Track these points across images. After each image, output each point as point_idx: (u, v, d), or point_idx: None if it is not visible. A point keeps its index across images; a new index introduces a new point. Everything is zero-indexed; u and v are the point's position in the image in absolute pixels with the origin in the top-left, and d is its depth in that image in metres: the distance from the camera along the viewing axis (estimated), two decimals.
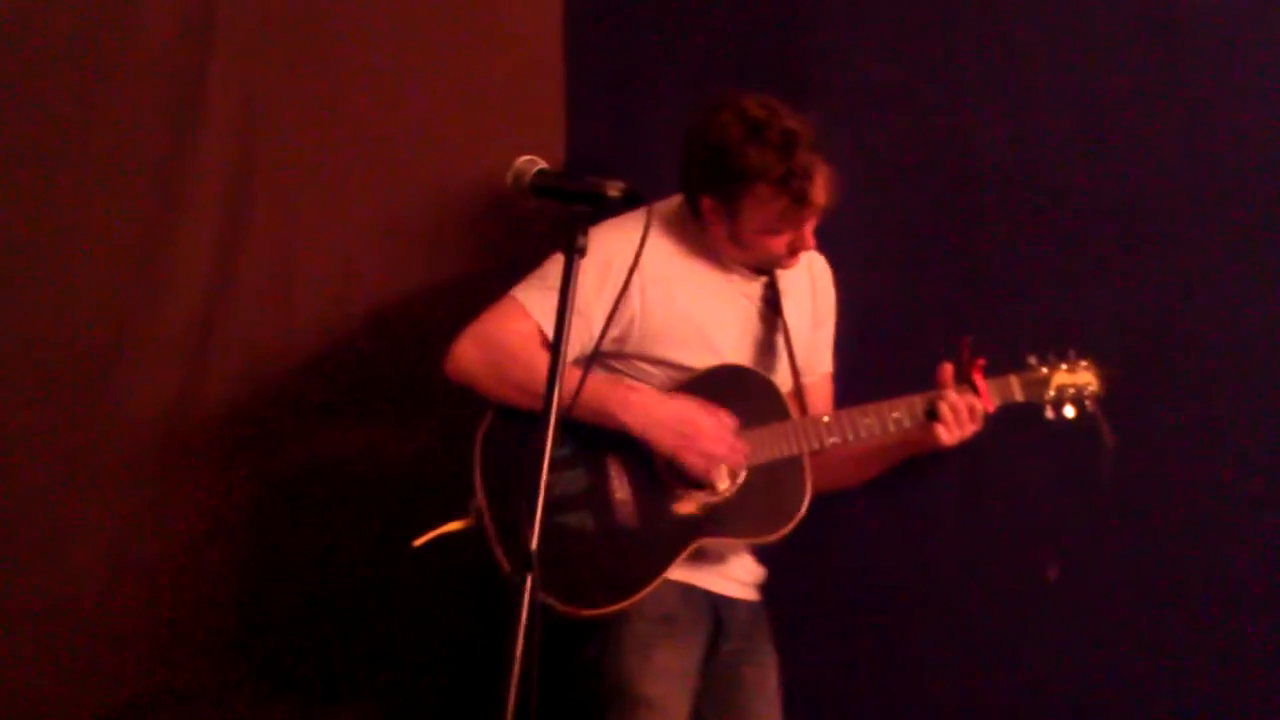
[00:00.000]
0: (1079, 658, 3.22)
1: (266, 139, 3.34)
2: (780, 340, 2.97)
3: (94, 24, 3.27)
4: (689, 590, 2.85)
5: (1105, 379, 2.95)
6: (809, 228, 2.86)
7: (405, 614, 3.29)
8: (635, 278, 2.66)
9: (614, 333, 2.81)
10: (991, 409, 2.90)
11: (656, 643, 2.79)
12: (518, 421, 2.77)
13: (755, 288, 2.97)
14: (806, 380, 2.99)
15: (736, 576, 2.95)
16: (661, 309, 2.86)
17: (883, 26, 3.38)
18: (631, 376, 2.88)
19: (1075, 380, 2.94)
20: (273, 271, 3.33)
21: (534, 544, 2.21)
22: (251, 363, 3.31)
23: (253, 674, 3.28)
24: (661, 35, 3.46)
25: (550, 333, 2.59)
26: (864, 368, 3.12)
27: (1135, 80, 3.26)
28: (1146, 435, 3.12)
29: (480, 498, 2.77)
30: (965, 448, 2.90)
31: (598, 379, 2.73)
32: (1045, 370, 2.95)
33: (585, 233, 2.36)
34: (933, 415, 2.88)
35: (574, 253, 2.35)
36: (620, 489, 2.81)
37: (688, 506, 2.82)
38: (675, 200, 2.96)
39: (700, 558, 2.85)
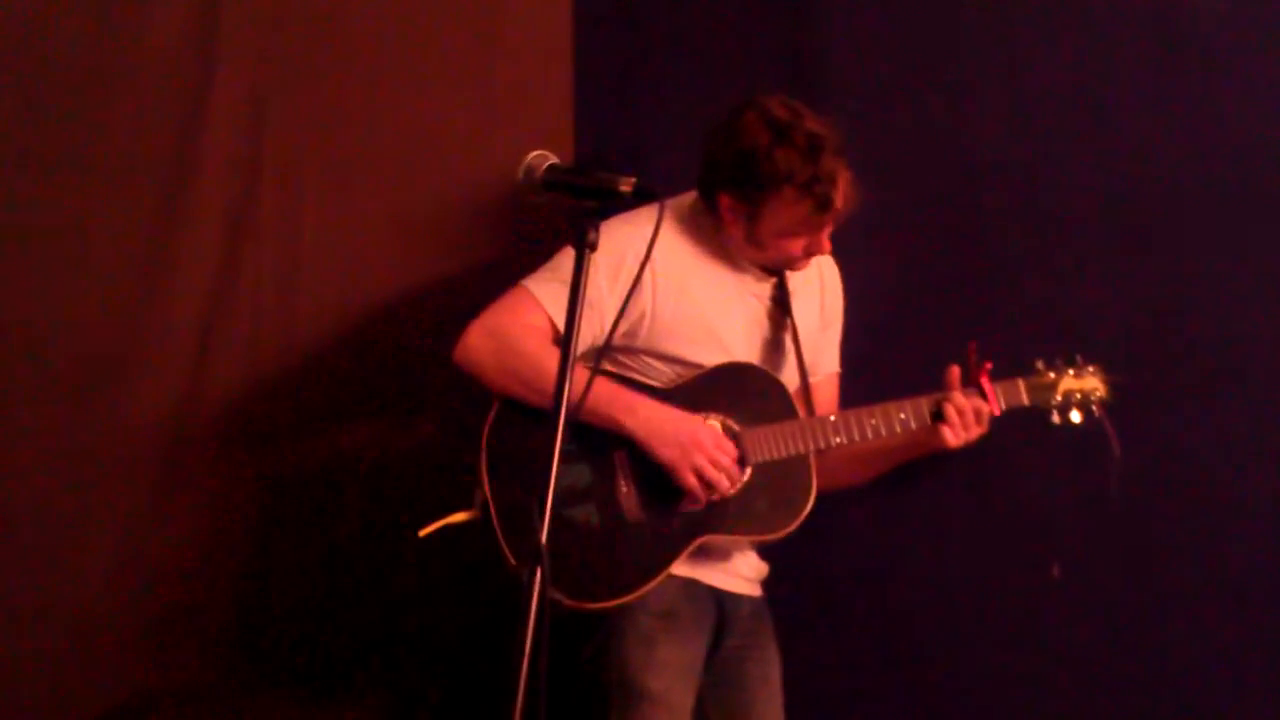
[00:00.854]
0: (1082, 657, 3.22)
1: (273, 139, 3.34)
2: (788, 340, 2.98)
3: (100, 26, 3.26)
4: (693, 585, 2.87)
5: (1112, 385, 2.96)
6: (827, 233, 2.87)
7: (408, 612, 3.30)
8: (647, 273, 2.67)
9: (624, 327, 2.81)
10: (998, 412, 2.91)
11: (660, 637, 2.80)
12: (524, 414, 2.78)
13: (765, 287, 2.98)
14: (813, 380, 3.00)
15: (740, 572, 2.96)
16: (672, 305, 2.87)
17: (888, 25, 3.38)
18: (640, 371, 2.89)
19: (1082, 386, 2.94)
20: (277, 272, 3.34)
21: (543, 538, 2.22)
22: (256, 363, 3.32)
23: (256, 673, 3.29)
24: (668, 33, 3.47)
25: (561, 323, 2.60)
26: (871, 369, 3.13)
27: (1141, 81, 3.27)
28: (1152, 437, 3.13)
29: (485, 490, 2.78)
30: (970, 450, 2.90)
31: (604, 382, 2.74)
32: (1052, 375, 2.95)
33: (597, 228, 2.37)
34: (938, 417, 2.89)
35: (585, 248, 2.36)
36: (625, 484, 2.82)
37: (692, 503, 2.83)
38: (688, 197, 2.97)
39: (704, 553, 2.86)
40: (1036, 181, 3.29)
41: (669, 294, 2.87)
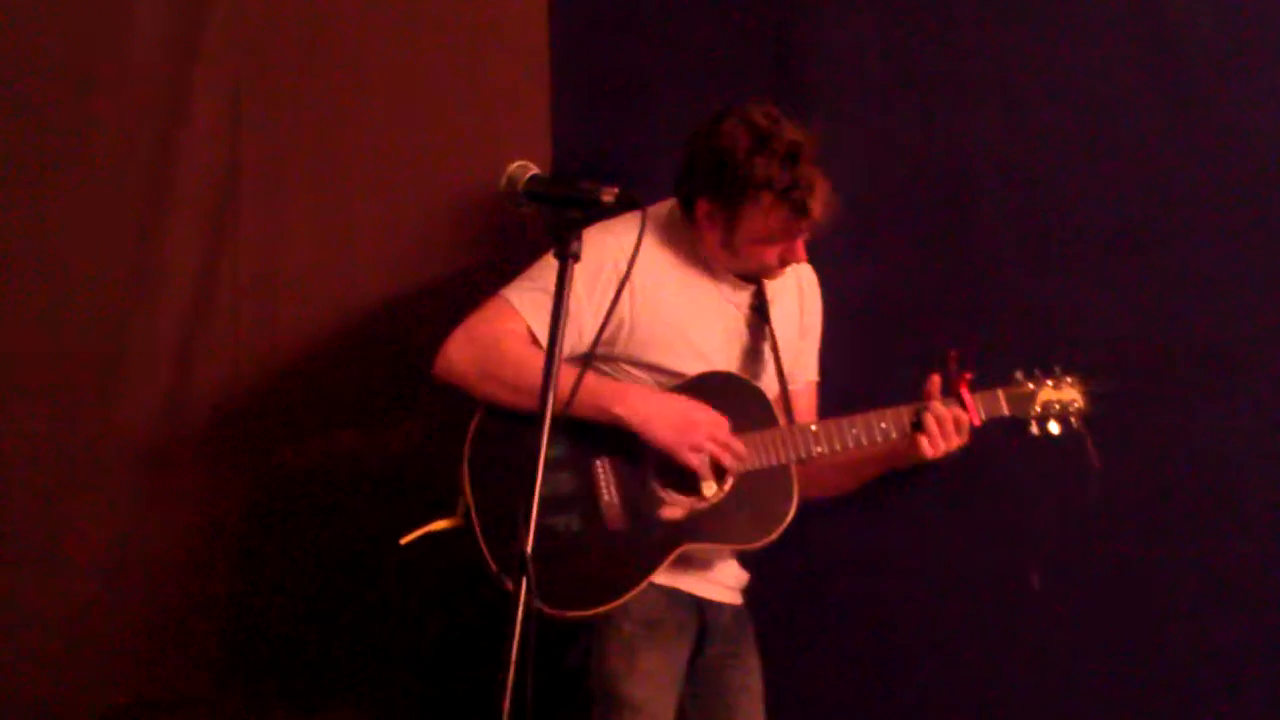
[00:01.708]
0: (1063, 665, 3.24)
1: (252, 143, 3.35)
2: (767, 348, 2.99)
3: (79, 30, 3.27)
4: (674, 594, 2.87)
5: (1090, 396, 2.97)
6: (803, 241, 2.88)
7: (397, 614, 3.29)
8: (625, 281, 2.67)
9: (603, 335, 2.80)
10: (977, 423, 2.92)
11: (642, 645, 2.80)
12: (508, 421, 2.79)
13: (743, 295, 2.99)
14: (792, 388, 3.01)
15: (721, 581, 2.97)
16: (650, 314, 2.88)
17: (869, 34, 3.38)
18: (618, 380, 2.89)
19: (1060, 397, 2.96)
20: (261, 274, 3.34)
21: (528, 547, 2.22)
22: (240, 366, 3.32)
23: (243, 680, 3.29)
24: (647, 42, 3.47)
25: (540, 332, 2.61)
26: (852, 379, 3.13)
27: (1134, 85, 3.27)
28: (1138, 442, 3.15)
29: (469, 497, 2.78)
30: (951, 459, 2.91)
31: (591, 375, 2.74)
32: (1031, 386, 2.96)
33: (579, 238, 2.37)
34: (918, 426, 2.90)
35: (568, 257, 2.36)
36: (608, 492, 2.83)
37: (675, 512, 2.84)
38: (665, 205, 2.98)
39: (686, 562, 2.87)
40: (1021, 188, 3.30)
41: (647, 302, 2.88)
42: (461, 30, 3.43)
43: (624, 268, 2.51)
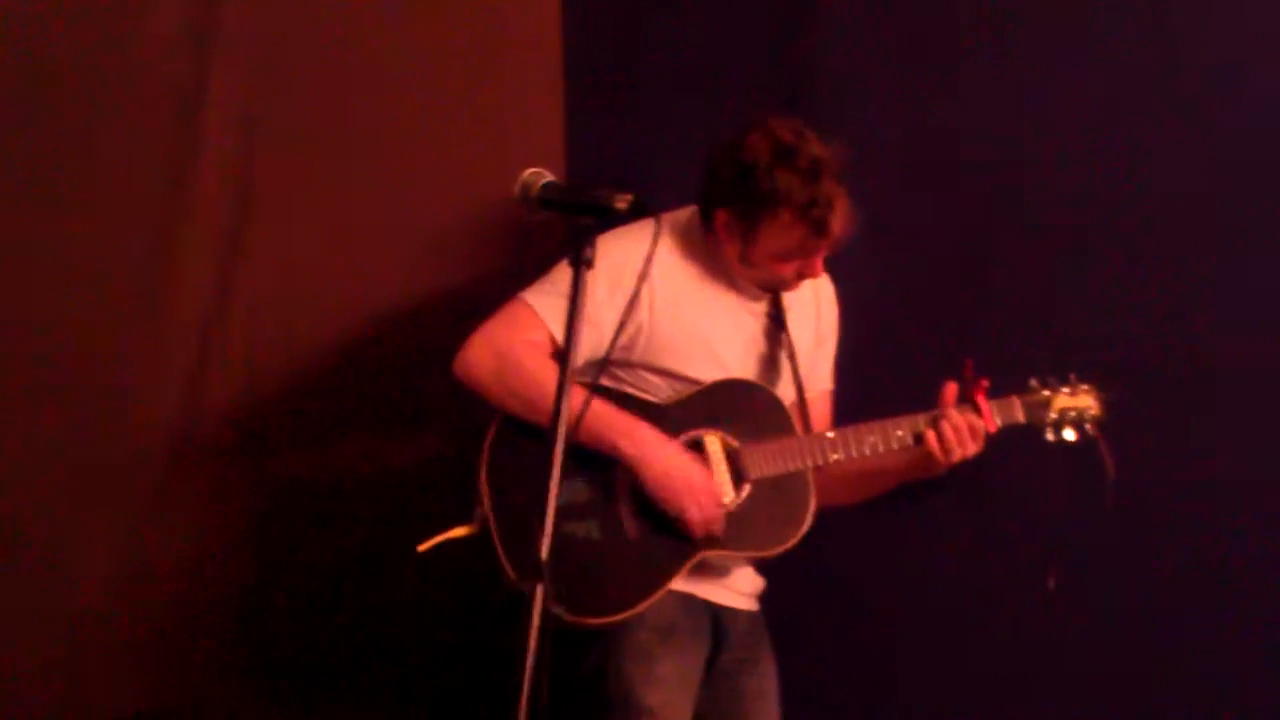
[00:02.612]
0: (1078, 667, 3.24)
1: (266, 153, 3.36)
2: (784, 356, 2.99)
3: (93, 41, 3.27)
4: (690, 600, 2.87)
5: (1105, 403, 2.96)
6: (820, 257, 2.88)
7: (408, 622, 3.31)
8: (644, 287, 2.68)
9: (621, 340, 2.81)
10: (993, 430, 2.91)
11: (658, 652, 2.80)
12: (525, 429, 2.78)
13: (760, 304, 2.99)
14: (807, 396, 3.01)
15: (737, 587, 2.97)
16: (668, 320, 2.88)
17: (880, 44, 3.40)
18: (636, 386, 2.90)
19: (1076, 404, 2.95)
20: (274, 282, 3.35)
21: (544, 554, 2.23)
22: (253, 373, 3.33)
23: (254, 685, 3.30)
24: (659, 50, 3.48)
25: (561, 338, 2.60)
26: (868, 386, 3.13)
27: (1140, 89, 3.27)
28: (1150, 446, 3.13)
29: (486, 504, 2.78)
30: (966, 464, 2.90)
31: (602, 404, 2.75)
32: (1047, 393, 2.95)
33: (593, 244, 2.37)
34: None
35: (582, 264, 2.37)
36: (625, 500, 2.83)
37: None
38: (685, 212, 2.98)
39: (702, 569, 2.87)
40: (1037, 196, 3.30)
41: (665, 309, 2.88)
42: (476, 40, 3.45)
43: (643, 271, 2.51)
